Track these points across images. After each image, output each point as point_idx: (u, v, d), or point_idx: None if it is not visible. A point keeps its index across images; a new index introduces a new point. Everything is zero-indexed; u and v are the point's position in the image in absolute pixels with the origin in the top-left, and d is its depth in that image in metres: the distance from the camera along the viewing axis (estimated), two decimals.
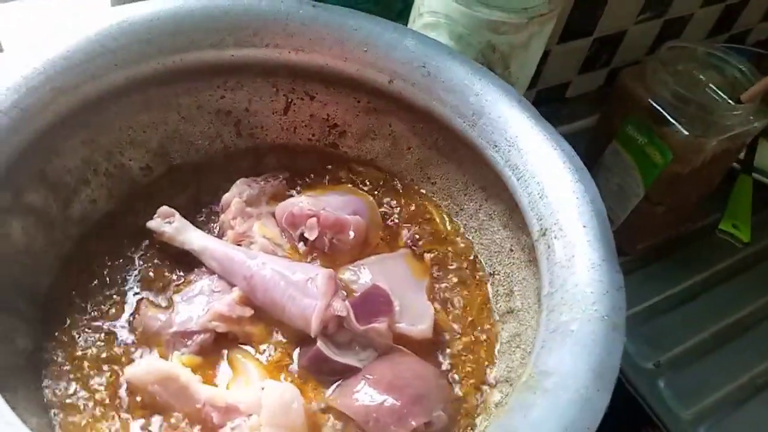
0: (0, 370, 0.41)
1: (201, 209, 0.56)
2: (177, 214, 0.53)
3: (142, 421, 0.44)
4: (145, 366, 0.45)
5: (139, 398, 0.44)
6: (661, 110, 0.72)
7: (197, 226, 0.54)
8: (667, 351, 0.76)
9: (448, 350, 0.51)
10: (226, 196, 0.54)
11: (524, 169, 0.48)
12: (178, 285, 0.51)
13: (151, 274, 0.52)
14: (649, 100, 0.73)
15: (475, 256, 0.57)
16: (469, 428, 0.46)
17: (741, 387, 0.74)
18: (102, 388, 0.45)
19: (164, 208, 0.53)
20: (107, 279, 0.51)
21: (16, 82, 0.44)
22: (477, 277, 0.55)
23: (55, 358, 0.46)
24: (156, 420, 0.44)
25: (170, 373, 0.44)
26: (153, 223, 0.52)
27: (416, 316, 0.51)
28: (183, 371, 0.45)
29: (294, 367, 0.48)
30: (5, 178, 0.45)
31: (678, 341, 0.77)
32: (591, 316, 0.39)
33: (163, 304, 0.50)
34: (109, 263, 0.52)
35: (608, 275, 0.41)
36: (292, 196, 0.57)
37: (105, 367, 0.46)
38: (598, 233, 0.43)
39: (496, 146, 0.50)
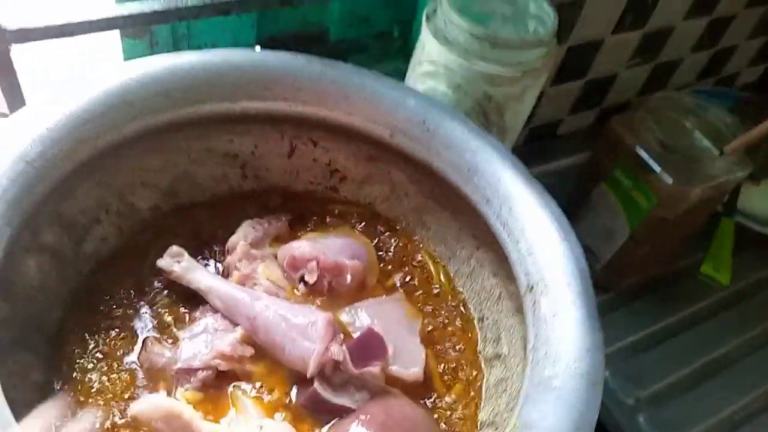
0: (18, 407, 0.43)
1: (205, 247, 0.59)
2: (186, 254, 0.55)
3: None
4: (150, 402, 0.48)
5: None
6: (647, 159, 0.75)
7: (200, 263, 0.56)
8: (648, 387, 0.78)
9: (437, 392, 0.54)
10: (232, 239, 0.57)
11: (514, 226, 0.51)
12: (183, 322, 0.54)
13: (158, 310, 0.54)
14: (636, 147, 0.76)
15: (465, 302, 0.60)
16: None
17: (719, 424, 0.77)
18: (108, 422, 0.48)
19: (174, 248, 0.55)
20: (116, 314, 0.53)
21: (41, 133, 0.47)
22: (466, 321, 0.58)
23: (65, 392, 0.49)
24: None
25: (174, 411, 0.47)
26: (163, 262, 0.55)
27: (409, 359, 0.53)
28: (186, 409, 0.47)
29: (291, 406, 0.51)
30: (26, 222, 0.47)
31: (659, 378, 0.80)
32: (573, 373, 0.42)
33: (169, 341, 0.53)
34: (118, 298, 0.54)
35: (590, 333, 0.44)
36: (294, 237, 0.60)
37: (112, 402, 0.49)
38: (581, 292, 0.46)
39: (488, 201, 0.54)
